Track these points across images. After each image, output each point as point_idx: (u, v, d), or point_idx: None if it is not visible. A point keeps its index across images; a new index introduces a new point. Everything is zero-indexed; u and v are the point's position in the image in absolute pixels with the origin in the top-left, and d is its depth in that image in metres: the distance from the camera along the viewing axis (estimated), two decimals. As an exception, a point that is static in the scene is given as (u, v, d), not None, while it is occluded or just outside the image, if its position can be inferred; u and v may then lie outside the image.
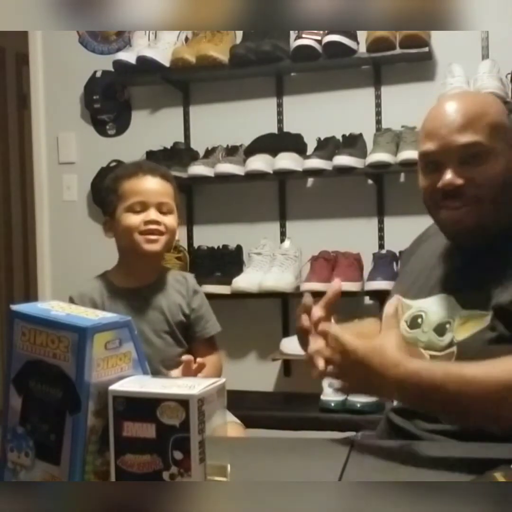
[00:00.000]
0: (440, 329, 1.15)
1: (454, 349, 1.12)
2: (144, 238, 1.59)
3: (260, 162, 2.58)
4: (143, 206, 1.60)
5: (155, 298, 1.65)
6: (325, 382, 2.33)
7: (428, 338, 1.16)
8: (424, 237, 1.37)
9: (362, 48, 2.56)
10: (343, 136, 2.59)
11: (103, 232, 1.71)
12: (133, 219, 1.59)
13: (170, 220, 1.62)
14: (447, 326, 1.14)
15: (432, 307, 1.19)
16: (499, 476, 0.83)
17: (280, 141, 2.66)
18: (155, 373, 1.59)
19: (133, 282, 1.66)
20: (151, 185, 1.62)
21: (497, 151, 1.14)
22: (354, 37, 2.55)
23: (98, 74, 2.95)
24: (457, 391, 0.98)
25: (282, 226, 2.76)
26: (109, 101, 2.94)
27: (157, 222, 1.59)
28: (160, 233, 1.60)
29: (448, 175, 1.14)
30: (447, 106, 1.17)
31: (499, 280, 1.11)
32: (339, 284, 1.20)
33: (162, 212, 1.61)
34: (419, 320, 1.19)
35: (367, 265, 2.54)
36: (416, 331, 1.19)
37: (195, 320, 1.69)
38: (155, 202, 1.60)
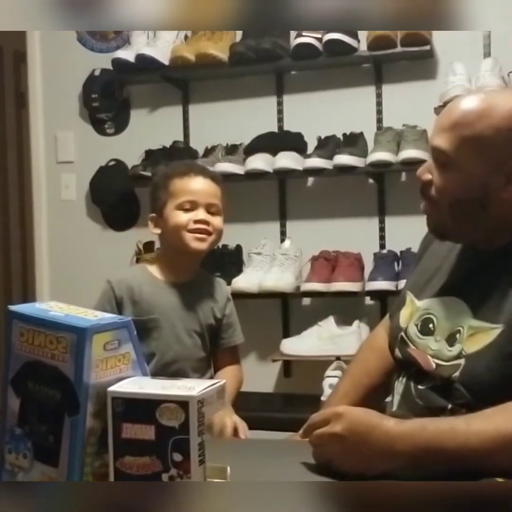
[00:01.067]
0: (451, 339, 1.13)
1: (461, 361, 1.09)
2: (192, 236, 1.61)
3: (260, 161, 2.58)
4: (193, 205, 1.62)
5: (191, 296, 1.67)
6: (326, 383, 2.33)
7: (439, 347, 1.14)
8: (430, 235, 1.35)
9: (363, 46, 2.55)
10: (344, 135, 2.59)
11: (149, 227, 1.71)
12: (183, 217, 1.61)
13: (218, 221, 1.65)
14: (457, 335, 1.12)
15: (443, 311, 1.16)
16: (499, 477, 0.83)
17: (280, 140, 2.65)
18: (181, 371, 1.62)
19: (173, 277, 1.68)
20: (202, 185, 1.65)
21: (463, 166, 1.10)
22: (354, 35, 2.54)
23: (97, 73, 2.94)
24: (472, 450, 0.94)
25: (282, 226, 2.75)
26: (108, 100, 2.93)
27: (206, 222, 1.61)
28: (208, 233, 1.62)
29: (422, 167, 1.17)
30: (454, 104, 1.15)
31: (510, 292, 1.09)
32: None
33: (210, 213, 1.63)
34: (431, 326, 1.17)
35: (368, 265, 2.53)
36: (428, 339, 1.16)
37: (224, 326, 1.71)
38: (204, 203, 1.63)
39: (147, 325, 1.60)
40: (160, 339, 1.62)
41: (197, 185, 1.64)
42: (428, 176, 1.15)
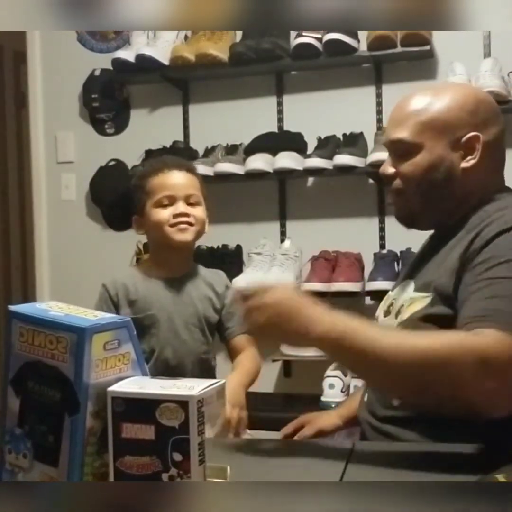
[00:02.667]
0: (398, 314, 1.22)
1: (399, 328, 1.18)
2: (174, 230, 1.62)
3: (260, 161, 2.57)
4: (171, 200, 1.63)
5: (187, 290, 1.67)
6: (326, 383, 2.33)
7: (391, 323, 1.23)
8: None
9: (363, 46, 2.55)
10: (344, 135, 2.59)
11: (134, 229, 1.72)
12: (162, 213, 1.62)
13: (198, 211, 1.65)
14: (401, 309, 1.22)
15: (399, 294, 1.27)
16: (500, 477, 0.83)
17: (280, 140, 2.65)
18: (181, 366, 1.62)
19: (166, 273, 1.69)
20: (178, 178, 1.65)
21: (426, 147, 1.20)
22: (354, 35, 2.54)
23: (97, 73, 2.94)
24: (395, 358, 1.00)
25: (282, 226, 2.75)
26: (108, 100, 2.93)
27: (186, 214, 1.62)
28: (190, 224, 1.63)
29: (384, 164, 1.27)
30: (399, 102, 1.27)
31: (441, 264, 1.17)
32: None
33: (190, 204, 1.64)
34: (390, 308, 1.27)
35: (368, 265, 2.53)
36: (388, 319, 1.26)
37: (226, 317, 1.70)
38: (182, 195, 1.64)
39: (144, 322, 1.61)
40: (158, 335, 1.62)
41: (173, 179, 1.64)
42: (391, 170, 1.25)
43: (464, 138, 1.20)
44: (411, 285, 1.24)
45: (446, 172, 1.21)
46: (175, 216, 1.61)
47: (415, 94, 1.25)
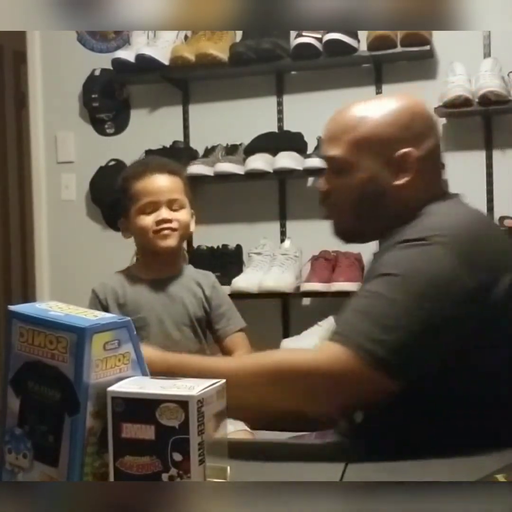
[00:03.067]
0: None
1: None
2: (158, 236, 1.62)
3: (260, 161, 2.57)
4: (154, 206, 1.63)
5: (176, 291, 1.67)
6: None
7: None
8: None
9: (363, 46, 2.55)
10: (344, 135, 2.58)
11: (121, 232, 1.72)
12: (146, 220, 1.63)
13: (182, 215, 1.65)
14: None
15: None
16: (500, 477, 0.83)
17: (280, 140, 2.65)
18: None
19: (154, 275, 1.69)
20: (160, 183, 1.64)
21: (359, 165, 1.19)
22: (354, 35, 2.54)
23: (97, 73, 2.94)
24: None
25: (282, 226, 2.75)
26: (108, 100, 2.93)
27: (168, 221, 1.62)
28: (173, 229, 1.63)
29: (319, 179, 1.28)
30: (332, 117, 1.27)
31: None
32: None
33: (173, 209, 1.62)
34: None
35: (368, 265, 2.53)
36: None
37: (216, 318, 1.70)
38: (165, 200, 1.63)
39: (135, 325, 1.61)
40: (148, 337, 1.62)
41: (155, 184, 1.63)
42: (326, 186, 1.24)
43: (397, 155, 1.17)
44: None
45: (379, 190, 1.19)
46: (158, 222, 1.61)
47: (349, 108, 1.23)
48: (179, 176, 1.68)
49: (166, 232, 1.62)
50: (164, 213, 1.62)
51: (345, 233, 1.28)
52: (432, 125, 1.24)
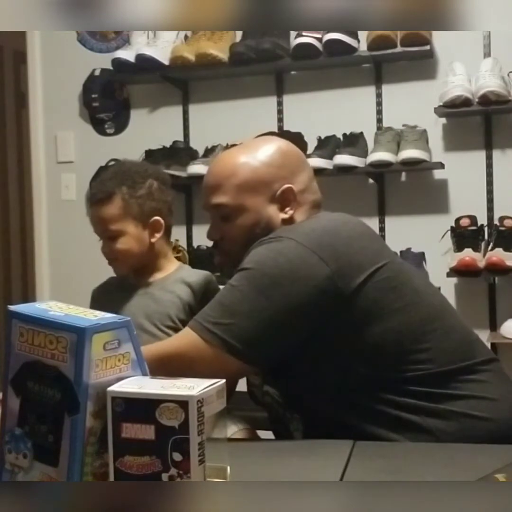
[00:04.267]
0: None
1: None
2: (110, 264, 1.68)
3: (260, 161, 2.57)
4: (98, 236, 1.67)
5: (159, 293, 1.67)
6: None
7: None
8: None
9: (363, 46, 2.55)
10: (344, 135, 2.59)
11: None
12: (100, 248, 1.68)
13: (119, 244, 1.64)
14: None
15: None
16: (500, 477, 0.83)
17: (280, 140, 2.65)
18: None
19: (139, 279, 1.69)
20: (94, 215, 1.66)
21: (246, 207, 1.27)
22: (354, 35, 2.54)
23: (97, 73, 2.94)
24: None
25: (282, 226, 2.75)
26: (108, 100, 2.93)
27: (106, 253, 1.65)
28: (114, 259, 1.65)
29: (209, 229, 1.35)
30: (210, 168, 1.35)
31: None
32: None
33: (111, 239, 1.63)
34: None
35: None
36: None
37: None
38: (100, 232, 1.66)
39: None
40: None
41: (92, 217, 1.66)
42: (217, 236, 1.33)
43: (278, 192, 1.27)
44: None
45: (268, 226, 1.27)
46: (102, 253, 1.67)
47: (224, 159, 1.33)
48: (112, 199, 1.62)
49: (111, 264, 1.66)
50: (102, 246, 1.66)
51: (232, 267, 1.31)
52: (302, 159, 1.36)
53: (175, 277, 1.70)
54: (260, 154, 1.31)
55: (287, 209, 1.28)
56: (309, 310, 1.14)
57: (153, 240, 1.68)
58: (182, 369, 1.08)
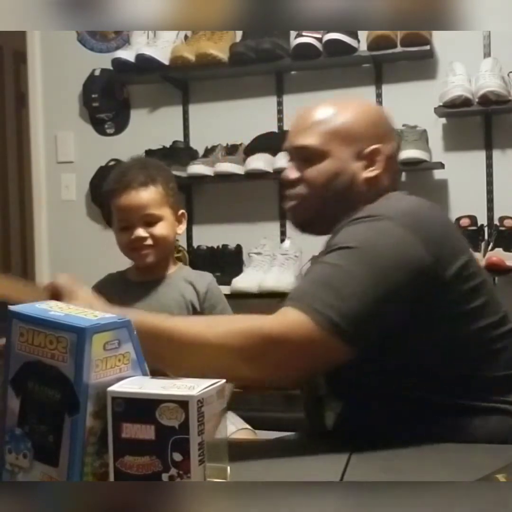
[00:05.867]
0: None
1: None
2: (135, 254, 1.64)
3: (260, 161, 2.57)
4: (129, 223, 1.63)
5: (162, 292, 1.67)
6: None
7: None
8: None
9: (363, 46, 2.55)
10: (344, 135, 2.58)
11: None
12: (123, 238, 1.65)
13: (159, 229, 1.63)
14: None
15: None
16: (500, 477, 0.83)
17: (280, 140, 2.63)
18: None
19: (142, 277, 1.69)
20: (132, 200, 1.62)
21: (332, 154, 1.24)
22: (354, 35, 2.54)
23: (97, 73, 2.94)
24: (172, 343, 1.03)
25: (282, 226, 2.75)
26: (108, 100, 2.93)
27: (143, 238, 1.62)
28: (149, 246, 1.62)
29: (286, 170, 1.29)
30: (300, 111, 1.30)
31: None
32: None
33: (148, 224, 1.62)
34: None
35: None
36: None
37: None
38: (138, 217, 1.62)
39: None
40: None
41: (128, 201, 1.61)
42: (296, 174, 1.27)
43: (367, 150, 1.24)
44: None
45: (349, 180, 1.24)
46: (133, 241, 1.62)
47: (320, 105, 1.29)
48: (155, 185, 1.63)
49: (143, 251, 1.62)
50: (138, 231, 1.62)
51: (306, 222, 1.31)
52: (394, 128, 1.34)
53: (177, 276, 1.71)
54: (357, 108, 1.28)
55: (371, 168, 1.25)
56: (411, 295, 1.10)
57: (179, 232, 1.70)
58: (281, 349, 1.04)
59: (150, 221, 1.62)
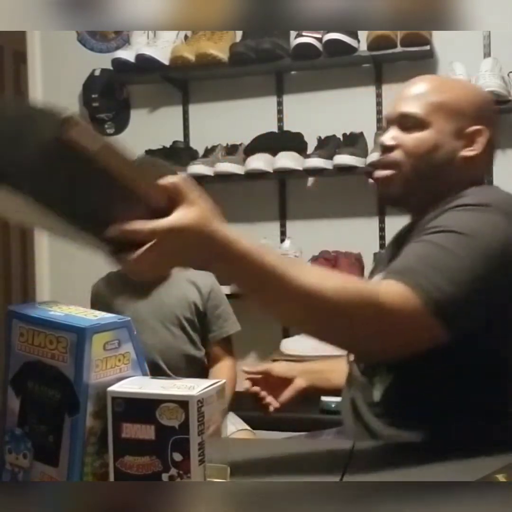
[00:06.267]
0: None
1: None
2: None
3: (260, 161, 2.57)
4: None
5: (164, 291, 1.67)
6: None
7: None
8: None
9: (363, 46, 2.55)
10: (344, 135, 2.59)
11: None
12: None
13: None
14: None
15: None
16: (500, 477, 0.83)
17: (280, 140, 2.65)
18: (165, 367, 1.61)
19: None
20: None
21: (434, 126, 1.22)
22: (354, 35, 2.54)
23: (97, 73, 2.94)
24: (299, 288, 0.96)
25: (282, 226, 2.75)
26: (108, 100, 2.93)
27: None
28: None
29: (384, 135, 1.27)
30: (411, 81, 1.29)
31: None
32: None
33: None
34: None
35: (368, 265, 2.53)
36: None
37: (213, 319, 1.69)
38: None
39: None
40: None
41: None
42: (393, 141, 1.24)
43: (469, 129, 1.22)
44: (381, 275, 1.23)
45: (446, 156, 1.22)
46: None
47: (428, 78, 1.28)
48: None
49: None
50: None
51: (398, 194, 1.25)
52: (496, 113, 1.32)
53: (178, 276, 1.71)
54: (465, 87, 1.29)
55: (470, 149, 1.23)
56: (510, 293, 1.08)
57: None
58: (387, 320, 1.00)
59: None
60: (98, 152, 0.77)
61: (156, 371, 1.57)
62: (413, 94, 1.25)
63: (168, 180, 0.87)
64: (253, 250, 0.91)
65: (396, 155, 1.23)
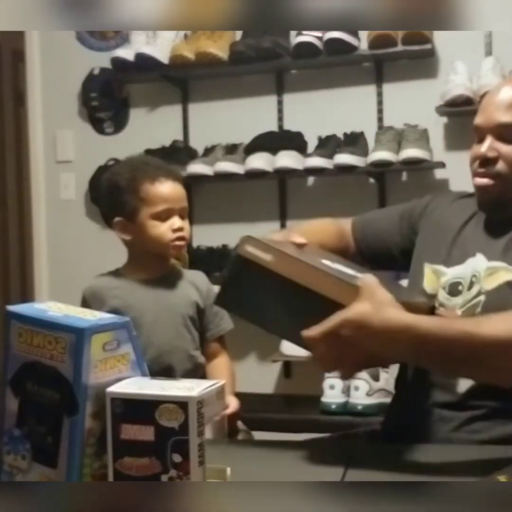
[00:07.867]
0: (470, 285, 1.23)
1: (482, 297, 1.19)
2: (172, 245, 1.62)
3: (260, 161, 2.57)
4: (169, 213, 1.60)
5: (167, 289, 1.66)
6: (326, 384, 2.32)
7: (463, 299, 1.22)
8: (435, 203, 1.46)
9: (363, 45, 2.55)
10: (344, 134, 2.58)
11: (115, 232, 1.68)
12: (162, 228, 1.60)
13: (188, 224, 1.65)
14: (474, 279, 1.22)
15: (464, 270, 1.25)
16: (501, 477, 0.82)
17: (280, 139, 2.65)
18: (171, 365, 1.61)
19: (144, 275, 1.67)
20: (174, 190, 1.62)
21: None
22: (355, 34, 2.54)
23: (96, 72, 2.94)
24: (473, 348, 0.97)
25: (282, 226, 2.75)
26: (107, 99, 2.93)
27: (182, 229, 1.61)
28: (184, 238, 1.63)
29: (484, 147, 1.25)
30: (503, 87, 1.26)
31: None
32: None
33: (182, 217, 1.62)
34: (460, 288, 1.25)
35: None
36: (457, 299, 1.24)
37: (211, 316, 1.69)
38: (178, 208, 1.61)
39: None
40: (141, 337, 1.59)
41: (171, 191, 1.60)
42: (494, 153, 1.23)
43: None
44: (481, 258, 1.24)
45: None
46: (174, 231, 1.60)
47: None
48: (183, 184, 1.67)
49: (179, 242, 1.62)
50: (178, 221, 1.60)
51: (499, 203, 1.26)
52: None
53: (175, 275, 1.70)
54: None
55: None
56: None
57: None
58: None
59: (183, 214, 1.63)
60: (272, 262, 0.93)
61: (166, 373, 1.57)
62: (508, 103, 1.23)
63: (357, 281, 0.97)
64: (434, 328, 0.96)
65: (499, 167, 1.23)
